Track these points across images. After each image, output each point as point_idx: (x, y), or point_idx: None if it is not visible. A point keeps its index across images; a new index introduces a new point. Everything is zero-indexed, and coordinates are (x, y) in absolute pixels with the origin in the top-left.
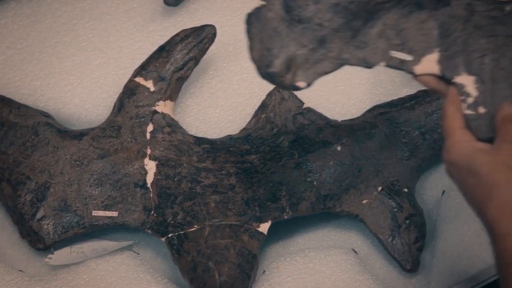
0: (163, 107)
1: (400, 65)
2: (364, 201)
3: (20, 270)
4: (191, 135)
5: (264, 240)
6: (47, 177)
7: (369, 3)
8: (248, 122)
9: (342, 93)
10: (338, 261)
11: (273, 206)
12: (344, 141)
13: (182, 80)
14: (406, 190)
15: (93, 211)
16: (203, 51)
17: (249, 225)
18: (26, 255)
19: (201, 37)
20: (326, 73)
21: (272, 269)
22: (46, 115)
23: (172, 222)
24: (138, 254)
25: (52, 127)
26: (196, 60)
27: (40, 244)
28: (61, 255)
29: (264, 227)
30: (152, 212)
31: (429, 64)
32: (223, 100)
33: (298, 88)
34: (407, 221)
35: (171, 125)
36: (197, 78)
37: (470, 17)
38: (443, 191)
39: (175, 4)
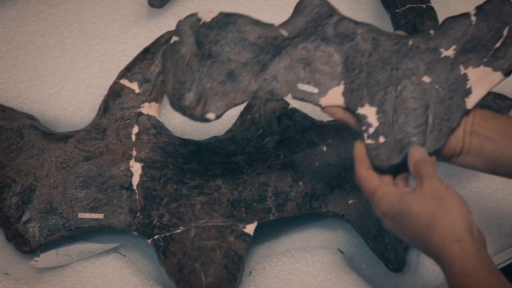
0: (148, 109)
1: (306, 97)
2: (350, 201)
3: (6, 273)
4: (177, 137)
5: (250, 241)
6: (32, 180)
7: (276, 39)
8: (234, 124)
9: None
10: (324, 262)
11: (259, 207)
12: (329, 141)
13: None
14: None
15: (79, 214)
16: None
17: (235, 226)
18: (12, 258)
19: None
20: (235, 104)
21: (259, 270)
22: (31, 117)
23: (158, 223)
24: (124, 256)
25: (37, 130)
26: None
27: (26, 247)
28: (47, 258)
29: (250, 228)
30: (138, 214)
31: (335, 96)
32: None
33: (208, 120)
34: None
35: (157, 127)
36: None
37: (375, 51)
38: None
39: (160, 6)
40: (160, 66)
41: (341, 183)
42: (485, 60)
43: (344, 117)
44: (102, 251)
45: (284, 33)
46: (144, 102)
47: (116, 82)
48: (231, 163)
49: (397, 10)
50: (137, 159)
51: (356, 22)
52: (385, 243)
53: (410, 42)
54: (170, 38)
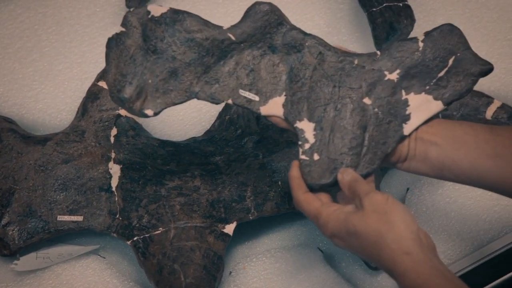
0: None
1: (247, 104)
2: None
3: None
4: (155, 138)
5: (229, 241)
6: (11, 183)
7: (223, 42)
8: (212, 124)
9: None
10: (304, 261)
11: (238, 207)
12: None
13: None
14: None
15: (58, 216)
16: None
17: (215, 226)
18: None
19: None
20: (174, 104)
21: (239, 270)
22: (9, 121)
23: (137, 225)
24: (104, 258)
25: (15, 133)
26: None
27: (5, 250)
28: (27, 261)
29: (229, 228)
30: (117, 216)
31: (275, 106)
32: (187, 103)
33: (146, 116)
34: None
35: (135, 129)
36: None
37: (320, 66)
38: (407, 189)
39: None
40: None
41: None
42: (427, 87)
43: (287, 127)
44: (82, 253)
45: (232, 37)
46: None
47: (94, 84)
48: (210, 164)
49: (374, 9)
50: (116, 161)
51: (305, 34)
52: None
53: (356, 61)
54: None
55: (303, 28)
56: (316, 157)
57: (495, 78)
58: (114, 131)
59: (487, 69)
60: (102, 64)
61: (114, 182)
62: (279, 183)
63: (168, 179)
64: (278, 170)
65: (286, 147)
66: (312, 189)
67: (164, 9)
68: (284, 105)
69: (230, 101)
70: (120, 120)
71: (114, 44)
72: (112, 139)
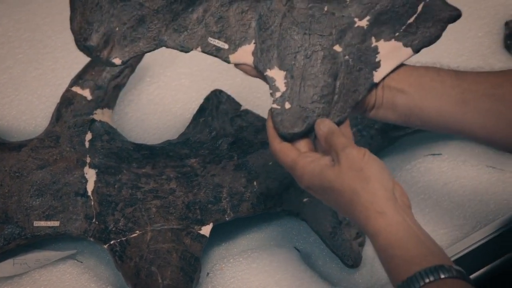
0: (101, 115)
1: (216, 53)
2: (305, 200)
3: None
4: (130, 142)
5: (206, 242)
6: None
7: None
8: (187, 127)
9: None
10: (281, 261)
11: (214, 208)
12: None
13: (119, 87)
14: None
15: (35, 222)
16: (139, 59)
17: (191, 228)
18: None
19: None
20: (143, 52)
21: (216, 271)
22: None
23: (113, 229)
24: (82, 262)
25: None
26: (132, 67)
27: None
28: (4, 267)
29: (206, 230)
30: (94, 220)
31: (244, 54)
32: (161, 106)
33: (113, 64)
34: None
35: (110, 133)
36: (134, 86)
37: (289, 12)
38: None
39: None
40: (111, 72)
41: (295, 182)
42: (397, 34)
43: (257, 76)
44: (59, 258)
45: None
46: (96, 108)
47: (68, 90)
48: (185, 166)
49: None
50: (91, 166)
51: None
52: (341, 240)
53: (326, 8)
54: None
55: None
56: (287, 105)
57: None
58: (88, 136)
59: (455, 14)
60: (75, 70)
61: (90, 187)
62: (255, 183)
63: (144, 182)
64: (253, 170)
65: (261, 148)
66: (285, 138)
67: None
68: (254, 53)
69: (199, 49)
70: (95, 124)
71: None
72: (87, 144)
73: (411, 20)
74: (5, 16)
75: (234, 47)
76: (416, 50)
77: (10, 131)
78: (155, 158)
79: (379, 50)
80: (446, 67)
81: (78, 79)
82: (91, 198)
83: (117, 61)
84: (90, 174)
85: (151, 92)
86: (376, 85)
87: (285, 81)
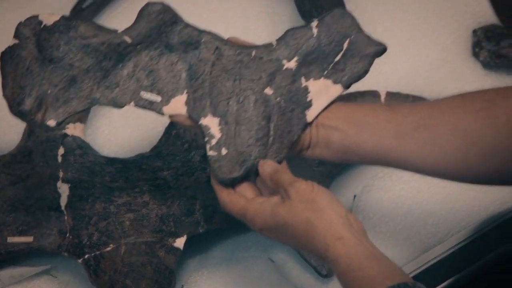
0: (73, 129)
1: (149, 106)
2: None
3: None
4: (103, 156)
5: (181, 255)
6: None
7: (119, 45)
8: (159, 140)
9: None
10: (255, 271)
11: (187, 220)
12: None
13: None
14: None
15: (8, 238)
16: None
17: (165, 241)
18: None
19: None
20: (76, 112)
21: (191, 283)
22: None
23: (87, 243)
24: (56, 277)
25: None
26: None
27: None
28: None
29: (180, 242)
30: (68, 235)
31: (178, 105)
32: (133, 120)
33: (48, 127)
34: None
35: (82, 147)
36: None
37: (218, 60)
38: (355, 196)
39: None
40: None
41: None
42: (325, 72)
43: (192, 125)
44: (33, 274)
45: (128, 39)
46: (68, 123)
47: None
48: (158, 179)
49: (314, 19)
50: (64, 180)
51: (200, 30)
52: None
53: (253, 53)
54: None
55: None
56: (224, 151)
57: (437, 83)
58: (61, 151)
59: (381, 49)
60: None
61: (63, 201)
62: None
63: (117, 196)
64: None
65: None
66: (225, 183)
67: (56, 17)
68: (186, 103)
69: (132, 104)
70: (67, 139)
71: (8, 57)
72: (59, 159)
73: (338, 57)
74: None
75: (167, 99)
76: (346, 86)
77: None
78: (128, 171)
79: (310, 89)
80: (417, 76)
81: None
82: (65, 212)
83: (51, 123)
84: (63, 189)
85: None
86: (309, 124)
87: (220, 127)
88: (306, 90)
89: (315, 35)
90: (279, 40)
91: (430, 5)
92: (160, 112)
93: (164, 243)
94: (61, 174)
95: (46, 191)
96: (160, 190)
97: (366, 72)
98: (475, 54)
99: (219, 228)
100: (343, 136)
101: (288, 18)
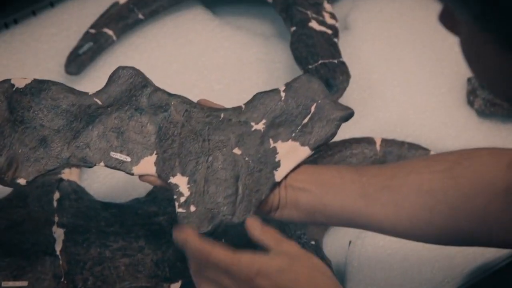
0: (68, 174)
1: (119, 166)
2: None
3: None
4: (98, 201)
5: None
6: None
7: (90, 107)
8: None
9: None
10: None
11: (182, 266)
12: None
13: None
14: (313, 242)
15: (3, 282)
16: None
17: (160, 286)
18: None
19: None
20: (47, 170)
21: None
22: None
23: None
24: None
25: None
26: None
27: None
28: None
29: None
30: (62, 279)
31: (147, 165)
32: None
33: (18, 185)
34: None
35: (78, 192)
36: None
37: (187, 122)
38: (350, 242)
39: (77, 73)
40: None
41: None
42: (293, 135)
43: (161, 185)
44: None
45: (98, 101)
46: (64, 167)
47: None
48: (154, 224)
49: (310, 66)
50: (59, 225)
51: (169, 94)
52: None
53: (222, 115)
54: None
55: (241, 88)
56: (192, 208)
57: (431, 131)
58: (56, 195)
59: (347, 114)
60: None
61: (58, 246)
62: (223, 240)
63: (112, 241)
64: None
65: None
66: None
67: (28, 80)
68: (156, 163)
69: (102, 164)
70: (63, 183)
71: None
72: (55, 203)
73: (306, 120)
74: None
75: (137, 159)
76: (313, 149)
77: None
78: (123, 216)
79: (278, 150)
80: (412, 123)
81: None
82: (60, 257)
83: (21, 181)
84: (58, 233)
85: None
86: (278, 184)
87: (189, 186)
88: (274, 151)
89: (283, 99)
90: (247, 103)
91: (426, 54)
92: (130, 172)
93: None
94: (56, 218)
95: (41, 235)
96: (156, 235)
97: (333, 135)
98: (470, 102)
99: None
100: (310, 197)
101: (283, 65)
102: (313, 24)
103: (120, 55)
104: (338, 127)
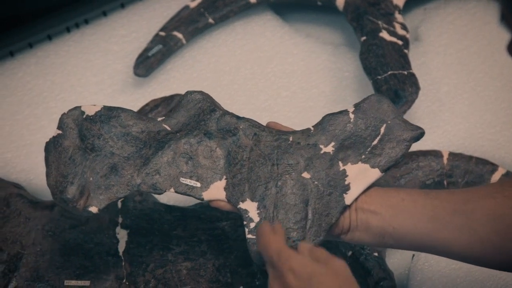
0: None
1: (189, 191)
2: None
3: None
4: (162, 204)
5: None
6: (19, 248)
7: (159, 133)
8: None
9: None
10: None
11: (244, 272)
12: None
13: None
14: (376, 254)
15: (65, 281)
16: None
17: None
18: None
19: (170, 107)
20: (118, 198)
21: None
22: (17, 186)
23: None
24: None
25: (23, 198)
26: None
27: None
28: None
29: None
30: (124, 281)
31: (217, 190)
32: None
33: (91, 213)
34: (378, 285)
35: (142, 194)
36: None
37: (256, 146)
38: (413, 255)
39: (145, 75)
40: None
41: (326, 248)
42: (363, 157)
43: (231, 209)
44: None
45: (167, 127)
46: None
47: None
48: (216, 229)
49: (379, 77)
50: (123, 226)
51: (238, 117)
52: None
53: (291, 138)
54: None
55: (308, 96)
56: None
57: (500, 146)
58: None
59: (418, 134)
60: None
61: (121, 247)
62: None
63: (175, 244)
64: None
65: None
66: (262, 264)
67: (97, 108)
68: (225, 188)
69: (172, 190)
70: None
71: (52, 147)
72: (119, 204)
73: (375, 142)
74: (40, 76)
75: (206, 185)
76: (383, 170)
77: (43, 190)
78: (186, 220)
79: (347, 173)
80: (480, 138)
81: None
82: (122, 258)
83: (93, 209)
84: (122, 235)
85: None
86: (348, 207)
87: (258, 211)
88: (344, 174)
89: (352, 121)
90: (316, 125)
91: (496, 67)
92: (200, 198)
93: None
94: (120, 220)
95: (104, 236)
96: (218, 240)
97: (404, 156)
98: None
99: None
100: (381, 220)
101: (352, 74)
102: (384, 34)
103: (189, 58)
104: (408, 147)
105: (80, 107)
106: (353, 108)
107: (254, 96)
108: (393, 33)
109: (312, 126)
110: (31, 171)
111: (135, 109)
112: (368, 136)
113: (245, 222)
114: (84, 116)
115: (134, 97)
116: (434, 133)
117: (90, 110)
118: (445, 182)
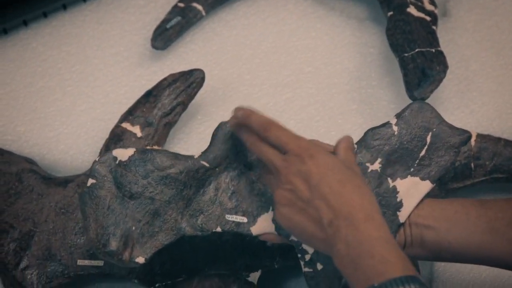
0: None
1: (236, 228)
2: None
3: None
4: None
5: None
6: (31, 226)
7: (198, 171)
8: None
9: None
10: None
11: (263, 254)
12: None
13: (169, 125)
14: None
15: (78, 260)
16: (192, 96)
17: (239, 274)
18: None
19: (189, 82)
20: (164, 244)
21: None
22: (30, 161)
23: (159, 271)
24: None
25: (36, 174)
26: (184, 105)
27: None
28: None
29: (254, 276)
30: None
31: (265, 223)
32: None
33: (137, 264)
34: None
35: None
36: (185, 124)
37: None
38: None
39: (163, 48)
40: (163, 109)
41: None
42: (412, 170)
43: (283, 241)
44: None
45: (205, 164)
46: (146, 146)
47: (117, 126)
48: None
49: (406, 54)
50: None
51: None
52: None
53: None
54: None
55: (331, 72)
56: (319, 266)
57: None
58: None
59: (466, 137)
60: (126, 105)
61: None
62: None
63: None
64: None
65: None
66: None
67: (130, 152)
68: (274, 220)
69: (219, 229)
70: None
71: (87, 197)
72: None
73: (423, 152)
74: (54, 47)
75: (253, 219)
76: (435, 181)
77: (57, 166)
78: None
79: (398, 189)
80: (509, 118)
81: (129, 115)
82: None
83: (140, 260)
84: None
85: (202, 131)
86: (402, 225)
87: None
88: (394, 191)
89: (395, 133)
90: (359, 142)
91: None
92: (248, 234)
93: (237, 276)
94: None
95: None
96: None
97: (453, 163)
98: None
99: (294, 264)
100: (435, 234)
101: (377, 51)
102: (412, 10)
103: (209, 31)
104: (457, 154)
105: (111, 152)
106: (395, 119)
107: (276, 71)
108: (421, 8)
109: (355, 144)
110: (45, 146)
111: (153, 83)
112: (414, 147)
113: (299, 255)
114: (117, 162)
115: (152, 70)
116: (462, 113)
117: (122, 155)
118: (472, 165)
